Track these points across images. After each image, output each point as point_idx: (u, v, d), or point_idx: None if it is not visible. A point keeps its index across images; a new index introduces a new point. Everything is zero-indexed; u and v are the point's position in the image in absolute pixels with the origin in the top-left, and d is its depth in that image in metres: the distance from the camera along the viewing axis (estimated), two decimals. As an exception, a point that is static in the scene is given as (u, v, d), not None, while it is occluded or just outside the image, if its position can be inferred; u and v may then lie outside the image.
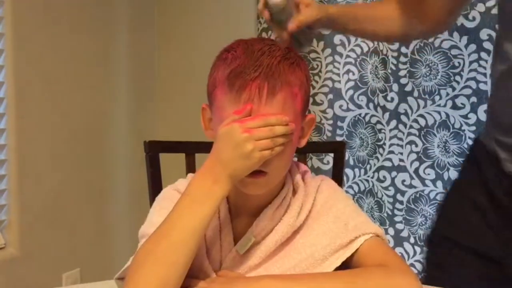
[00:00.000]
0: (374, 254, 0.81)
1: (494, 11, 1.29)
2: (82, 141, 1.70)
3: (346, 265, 0.82)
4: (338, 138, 1.48)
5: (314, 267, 0.82)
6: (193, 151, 1.17)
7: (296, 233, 0.85)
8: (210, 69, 0.82)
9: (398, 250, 1.43)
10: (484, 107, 1.31)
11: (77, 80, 1.57)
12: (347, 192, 1.47)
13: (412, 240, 1.42)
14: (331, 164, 1.46)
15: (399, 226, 1.43)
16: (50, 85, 1.52)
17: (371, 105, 1.45)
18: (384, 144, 1.42)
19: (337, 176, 1.20)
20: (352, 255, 0.82)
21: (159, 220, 0.77)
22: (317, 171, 1.49)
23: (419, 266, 1.42)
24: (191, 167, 1.19)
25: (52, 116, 1.55)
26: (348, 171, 1.48)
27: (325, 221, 0.85)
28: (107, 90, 1.63)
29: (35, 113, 1.50)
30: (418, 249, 1.41)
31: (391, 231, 1.43)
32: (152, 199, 1.16)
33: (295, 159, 1.20)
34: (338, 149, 1.22)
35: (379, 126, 1.43)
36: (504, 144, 0.91)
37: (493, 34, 1.29)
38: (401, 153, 1.40)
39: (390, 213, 1.43)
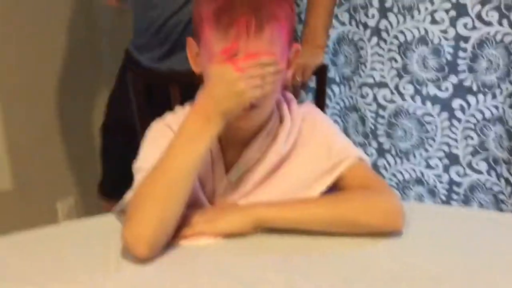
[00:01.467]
0: (357, 177, 0.87)
1: None
2: (70, 73, 1.70)
3: (330, 189, 0.89)
4: (324, 56, 1.49)
5: (301, 192, 0.88)
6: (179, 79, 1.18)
7: (283, 160, 0.90)
8: (194, 3, 0.82)
9: (381, 161, 1.50)
10: (463, 20, 1.33)
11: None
12: (333, 108, 1.52)
13: (393, 152, 1.48)
14: (314, 82, 1.49)
15: (381, 139, 1.49)
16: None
17: (353, 22, 1.45)
18: (366, 61, 1.45)
19: (321, 98, 1.24)
20: (337, 180, 0.88)
21: (152, 155, 0.82)
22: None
23: (400, 177, 1.50)
24: (176, 98, 1.20)
25: (33, 52, 1.54)
26: (334, 87, 1.51)
27: (310, 148, 0.91)
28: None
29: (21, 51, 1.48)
30: (398, 160, 1.49)
31: (374, 144, 1.50)
32: (142, 129, 1.19)
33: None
34: (320, 71, 1.25)
35: (361, 44, 1.45)
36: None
37: None
38: (382, 70, 1.43)
39: (372, 127, 1.48)
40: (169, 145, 0.81)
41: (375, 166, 1.48)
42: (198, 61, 0.85)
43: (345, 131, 1.50)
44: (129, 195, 0.84)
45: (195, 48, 0.85)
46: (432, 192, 1.47)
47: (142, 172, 0.82)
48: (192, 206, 0.84)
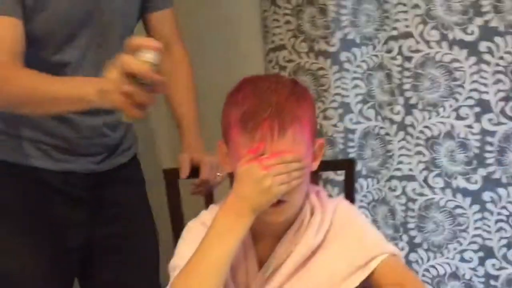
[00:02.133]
0: (390, 274, 0.87)
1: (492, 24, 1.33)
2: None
3: (363, 285, 0.88)
4: (350, 150, 1.53)
5: (334, 287, 0.87)
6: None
7: (315, 252, 0.91)
8: (223, 109, 0.89)
9: (413, 256, 1.48)
10: (487, 116, 1.37)
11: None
12: (361, 201, 1.53)
13: (425, 246, 1.47)
14: (344, 175, 1.51)
15: (412, 232, 1.48)
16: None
17: (379, 117, 1.50)
18: (394, 154, 1.47)
19: (349, 192, 1.26)
20: (370, 275, 0.88)
21: (187, 253, 0.85)
22: (331, 182, 1.53)
23: (434, 272, 1.47)
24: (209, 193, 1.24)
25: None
26: (361, 181, 1.53)
27: (342, 241, 0.91)
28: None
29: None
30: (431, 254, 1.46)
31: (405, 237, 1.48)
32: (173, 225, 1.22)
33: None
34: (349, 165, 1.27)
35: (388, 138, 1.48)
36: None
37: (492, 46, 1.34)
38: (410, 163, 1.45)
39: (403, 220, 1.48)
40: (202, 240, 0.84)
41: (406, 261, 1.46)
42: (227, 161, 0.90)
43: (375, 224, 1.50)
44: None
45: (224, 149, 0.90)
46: (469, 287, 1.43)
47: (178, 269, 0.84)
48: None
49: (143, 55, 0.78)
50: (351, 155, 1.51)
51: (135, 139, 1.30)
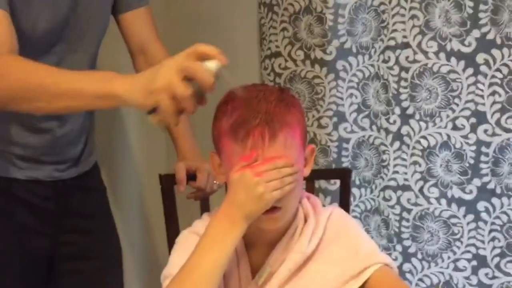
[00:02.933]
0: (384, 284, 0.87)
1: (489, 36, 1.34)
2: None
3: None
4: (344, 159, 1.53)
5: (328, 297, 0.87)
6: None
7: (308, 260, 0.91)
8: (213, 119, 0.89)
9: (407, 266, 1.47)
10: (483, 127, 1.37)
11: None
12: (353, 211, 1.52)
13: (419, 256, 1.46)
14: (337, 185, 1.50)
15: (406, 242, 1.47)
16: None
17: (374, 127, 1.50)
18: (389, 164, 1.47)
19: (345, 201, 1.26)
20: (363, 285, 0.88)
21: (180, 262, 0.84)
22: (324, 191, 1.53)
23: (427, 281, 1.46)
24: (205, 199, 1.24)
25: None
26: (354, 190, 1.53)
27: (336, 249, 0.91)
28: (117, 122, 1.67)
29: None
30: (425, 264, 1.46)
31: (398, 247, 1.48)
32: (168, 231, 1.21)
33: (304, 183, 1.26)
34: (344, 175, 1.27)
35: (382, 148, 1.48)
36: None
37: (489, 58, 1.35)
38: (405, 173, 1.45)
39: (397, 230, 1.48)
40: (195, 247, 0.83)
41: (400, 271, 1.45)
42: (220, 171, 0.91)
43: (367, 234, 1.49)
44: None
45: (217, 160, 0.90)
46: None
47: (170, 278, 0.83)
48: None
49: (207, 64, 0.74)
50: (344, 165, 1.51)
51: (95, 145, 1.28)
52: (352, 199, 1.52)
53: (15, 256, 1.13)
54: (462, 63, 1.37)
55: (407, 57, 1.41)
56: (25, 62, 0.91)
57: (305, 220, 0.91)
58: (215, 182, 1.19)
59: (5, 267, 1.12)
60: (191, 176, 1.20)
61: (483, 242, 1.40)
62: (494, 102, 1.36)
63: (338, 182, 1.48)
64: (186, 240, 0.91)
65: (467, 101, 1.38)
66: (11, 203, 1.13)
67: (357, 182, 1.52)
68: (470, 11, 1.33)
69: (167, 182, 1.21)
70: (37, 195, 1.14)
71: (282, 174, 0.82)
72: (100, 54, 1.22)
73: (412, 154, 1.44)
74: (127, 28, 1.25)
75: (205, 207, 1.21)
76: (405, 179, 1.45)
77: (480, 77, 1.36)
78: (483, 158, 1.38)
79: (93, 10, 1.12)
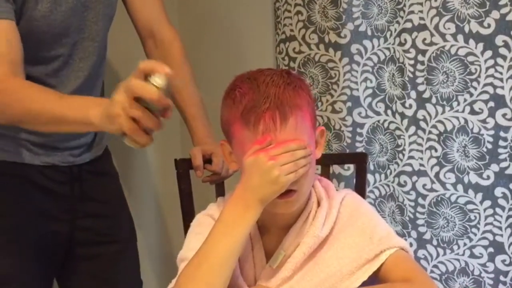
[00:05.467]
0: (399, 268, 0.86)
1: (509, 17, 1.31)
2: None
3: (372, 278, 0.87)
4: (358, 145, 1.51)
5: (342, 281, 0.87)
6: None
7: (323, 244, 0.90)
8: (221, 107, 0.89)
9: (421, 252, 1.46)
10: (502, 110, 1.34)
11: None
12: (368, 196, 1.51)
13: (435, 242, 1.45)
14: (351, 170, 1.49)
15: (422, 229, 1.46)
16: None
17: (389, 111, 1.48)
18: (404, 149, 1.45)
19: (360, 186, 1.24)
20: (378, 268, 0.87)
21: (196, 245, 0.84)
22: (338, 177, 1.52)
23: (443, 268, 1.45)
24: (219, 183, 1.24)
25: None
26: (368, 176, 1.51)
27: (351, 233, 0.90)
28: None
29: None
30: (441, 250, 1.44)
31: (413, 234, 1.47)
32: (184, 214, 1.22)
33: (319, 168, 1.25)
34: (360, 159, 1.26)
35: (398, 132, 1.46)
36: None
37: (509, 40, 1.32)
38: (421, 158, 1.43)
39: (412, 216, 1.46)
40: (210, 231, 0.83)
41: (415, 257, 1.43)
42: (232, 159, 0.91)
43: (382, 220, 1.48)
44: (173, 282, 0.85)
45: (228, 148, 0.90)
46: (478, 283, 1.41)
47: (186, 261, 0.83)
48: (232, 291, 0.84)
49: (153, 79, 0.76)
50: (359, 150, 1.49)
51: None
52: (366, 185, 1.51)
53: (31, 241, 1.14)
54: (481, 45, 1.34)
55: (424, 40, 1.38)
56: (25, 90, 0.95)
57: (318, 204, 0.91)
58: None
59: (21, 251, 1.13)
60: (207, 160, 1.20)
61: (500, 228, 1.38)
62: (514, 85, 1.34)
63: (352, 167, 1.47)
64: (201, 223, 0.92)
65: (485, 85, 1.35)
66: (27, 189, 1.14)
67: (371, 168, 1.50)
68: (489, -10, 1.30)
69: (183, 167, 1.22)
70: (53, 180, 1.16)
71: (296, 156, 0.81)
72: (111, 40, 1.22)
73: (428, 139, 1.42)
74: (136, 12, 1.25)
75: (220, 191, 1.21)
76: (421, 165, 1.43)
77: (499, 60, 1.33)
78: (501, 142, 1.35)
79: None
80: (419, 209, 1.45)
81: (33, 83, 0.98)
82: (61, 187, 1.17)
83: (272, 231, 0.91)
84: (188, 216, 1.18)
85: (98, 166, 1.23)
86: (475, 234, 1.40)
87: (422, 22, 1.38)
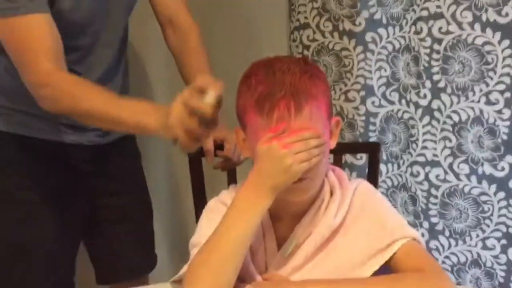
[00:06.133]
0: (411, 258, 0.86)
1: None
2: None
3: (383, 268, 0.86)
4: (371, 134, 1.50)
5: (354, 270, 0.87)
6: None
7: (335, 233, 0.90)
8: (237, 94, 0.88)
9: (433, 243, 1.45)
10: None
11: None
12: (380, 186, 1.50)
13: (447, 233, 1.44)
14: (364, 159, 1.49)
15: (434, 219, 1.45)
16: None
17: (403, 101, 1.46)
18: (417, 139, 1.44)
19: (373, 176, 1.24)
20: (390, 258, 0.87)
21: (208, 231, 0.84)
22: (350, 166, 1.51)
23: (454, 259, 1.44)
24: (231, 169, 1.24)
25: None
26: (381, 166, 1.50)
27: (362, 223, 0.90)
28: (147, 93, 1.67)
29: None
30: (453, 242, 1.44)
31: (425, 224, 1.46)
32: (196, 200, 1.22)
33: (331, 157, 1.25)
34: (373, 149, 1.25)
35: (412, 122, 1.45)
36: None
37: None
38: (435, 149, 1.42)
39: (424, 207, 1.45)
40: (222, 218, 0.83)
41: (427, 248, 1.42)
42: (246, 146, 0.90)
43: (394, 210, 1.47)
44: (185, 267, 0.85)
45: (242, 135, 0.90)
46: (490, 274, 1.40)
47: (198, 247, 0.84)
48: (243, 279, 0.84)
49: (208, 96, 0.85)
50: (371, 139, 1.48)
51: None
52: (378, 175, 1.50)
53: (52, 218, 1.20)
54: (498, 34, 1.32)
55: (440, 28, 1.37)
56: (73, 86, 1.01)
57: (331, 194, 0.90)
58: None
59: (41, 226, 1.18)
60: (219, 146, 1.20)
61: (513, 220, 1.37)
62: (531, 76, 1.32)
63: (364, 156, 1.46)
64: (213, 210, 0.92)
65: (502, 75, 1.33)
66: (52, 165, 1.19)
67: (384, 158, 1.49)
68: (509, -21, 1.28)
69: (195, 154, 1.22)
70: (78, 158, 1.22)
71: (309, 145, 0.81)
72: (131, 27, 1.25)
73: (442, 129, 1.40)
74: (156, 1, 1.29)
75: (232, 179, 1.21)
76: (434, 155, 1.42)
77: (516, 50, 1.31)
78: (517, 134, 1.34)
79: None
80: (432, 199, 1.44)
81: (79, 78, 1.04)
82: (85, 164, 1.23)
83: (284, 219, 0.91)
84: (199, 203, 1.19)
85: (120, 147, 1.28)
86: (488, 226, 1.39)
87: (438, 10, 1.36)
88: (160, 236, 1.66)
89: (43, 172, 1.18)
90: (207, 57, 1.30)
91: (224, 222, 0.83)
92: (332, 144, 0.90)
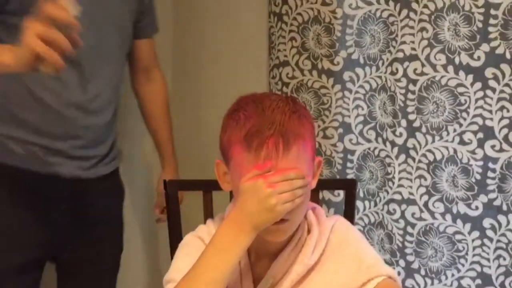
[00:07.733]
0: None
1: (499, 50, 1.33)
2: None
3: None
4: (349, 171, 1.51)
5: (330, 308, 0.85)
6: (210, 188, 1.21)
7: (311, 271, 0.89)
8: (222, 127, 0.88)
9: (409, 282, 1.45)
10: (490, 142, 1.35)
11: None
12: (357, 223, 1.51)
13: (423, 272, 1.44)
14: (341, 196, 1.49)
15: (410, 258, 1.45)
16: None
17: (380, 139, 1.49)
18: (394, 177, 1.46)
19: (349, 212, 1.24)
20: (366, 297, 0.86)
21: (183, 266, 0.83)
22: (327, 203, 1.52)
23: (430, 298, 1.44)
24: (208, 205, 1.23)
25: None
26: (358, 203, 1.51)
27: (339, 261, 0.90)
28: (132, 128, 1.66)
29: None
30: (429, 280, 1.44)
31: (401, 262, 1.46)
32: (171, 235, 1.21)
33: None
34: (350, 185, 1.26)
35: (388, 160, 1.47)
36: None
37: (498, 72, 1.34)
38: (410, 187, 1.44)
39: (400, 245, 1.46)
40: (201, 254, 0.82)
41: (403, 286, 1.43)
42: (226, 179, 0.90)
43: (371, 248, 1.47)
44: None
45: (223, 168, 0.89)
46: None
47: (173, 283, 0.82)
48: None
49: (61, 2, 0.83)
50: (349, 176, 1.50)
51: (120, 152, 1.34)
52: (355, 211, 1.50)
53: (17, 251, 1.17)
54: (471, 77, 1.36)
55: (415, 70, 1.40)
56: None
57: (309, 231, 0.90)
58: None
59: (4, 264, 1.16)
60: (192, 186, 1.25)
61: (488, 260, 1.38)
62: (502, 118, 1.35)
63: (342, 193, 1.47)
64: (190, 244, 0.91)
65: (474, 116, 1.37)
66: (29, 197, 1.16)
67: (361, 195, 1.50)
68: (480, 25, 1.33)
69: (172, 188, 1.21)
70: (56, 191, 1.18)
71: (294, 186, 0.81)
72: None
73: (418, 168, 1.42)
74: (136, 52, 1.38)
75: (208, 214, 1.20)
76: (410, 193, 1.44)
77: (488, 92, 1.35)
78: (490, 174, 1.36)
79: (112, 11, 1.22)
80: (408, 237, 1.44)
81: None
82: (63, 199, 1.20)
83: (261, 258, 0.90)
84: (175, 236, 1.18)
85: (104, 184, 1.26)
86: (463, 265, 1.40)
87: (413, 52, 1.40)
88: (135, 270, 1.64)
89: (13, 202, 1.16)
90: (170, 123, 1.47)
91: (202, 259, 0.81)
92: (313, 185, 0.90)
